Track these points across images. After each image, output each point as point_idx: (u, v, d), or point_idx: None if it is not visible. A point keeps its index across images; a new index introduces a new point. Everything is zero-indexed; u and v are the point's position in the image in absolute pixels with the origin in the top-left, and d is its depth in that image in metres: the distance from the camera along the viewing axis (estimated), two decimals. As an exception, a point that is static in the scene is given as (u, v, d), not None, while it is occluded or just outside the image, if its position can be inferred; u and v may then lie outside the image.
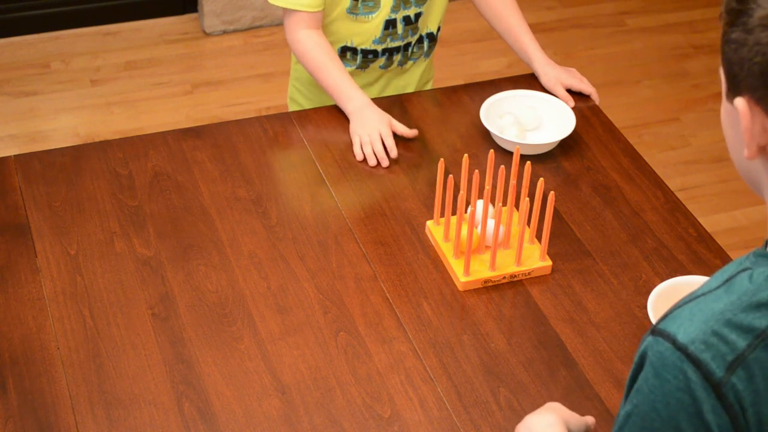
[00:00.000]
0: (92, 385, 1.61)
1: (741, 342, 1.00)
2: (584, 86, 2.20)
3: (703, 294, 1.05)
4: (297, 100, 2.36)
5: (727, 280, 1.05)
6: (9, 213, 1.89)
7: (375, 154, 2.02)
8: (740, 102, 1.04)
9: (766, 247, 1.07)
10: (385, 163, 2.01)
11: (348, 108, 2.09)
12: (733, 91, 1.05)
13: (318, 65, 2.11)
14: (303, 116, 2.15)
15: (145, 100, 3.52)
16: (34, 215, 1.88)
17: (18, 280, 1.76)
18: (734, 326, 1.01)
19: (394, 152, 2.02)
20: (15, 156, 2.01)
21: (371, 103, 2.08)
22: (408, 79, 2.31)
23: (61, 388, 1.60)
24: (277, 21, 3.88)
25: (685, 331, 1.02)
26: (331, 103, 2.17)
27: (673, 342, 1.02)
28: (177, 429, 1.55)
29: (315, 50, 2.12)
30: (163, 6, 3.88)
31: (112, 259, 1.81)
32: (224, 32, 3.84)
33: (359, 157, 2.03)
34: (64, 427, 1.55)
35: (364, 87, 2.23)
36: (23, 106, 3.46)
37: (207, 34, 3.83)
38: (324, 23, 2.16)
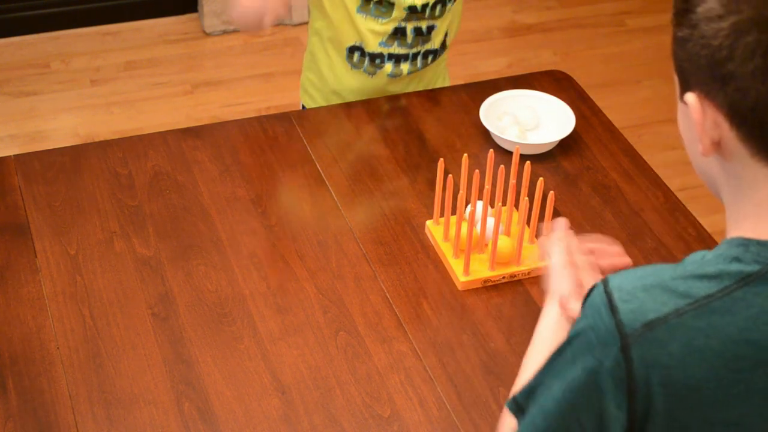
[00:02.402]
0: (92, 384, 1.61)
1: (670, 304, 1.02)
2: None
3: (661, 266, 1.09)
4: (309, 91, 2.33)
5: (684, 260, 1.09)
6: (9, 213, 1.89)
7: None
8: (691, 97, 1.06)
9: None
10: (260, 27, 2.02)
11: None
12: (684, 88, 1.08)
13: None
14: (303, 116, 2.15)
15: (145, 100, 3.53)
16: (34, 215, 1.88)
17: (18, 280, 1.76)
18: (669, 290, 1.03)
19: None
20: (15, 156, 2.01)
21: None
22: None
23: (60, 388, 1.60)
24: (276, 21, 3.88)
25: (619, 281, 1.05)
26: (337, 101, 2.17)
27: (605, 285, 1.05)
28: (177, 428, 1.55)
29: None
30: (163, 6, 3.88)
31: (112, 259, 1.81)
32: (224, 32, 3.84)
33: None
34: (63, 426, 1.55)
35: (376, 93, 2.23)
36: (23, 106, 3.47)
37: (207, 34, 3.83)
38: (332, 20, 2.14)
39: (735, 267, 1.04)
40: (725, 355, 1.02)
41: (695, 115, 1.06)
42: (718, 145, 1.07)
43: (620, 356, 1.02)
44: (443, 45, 2.22)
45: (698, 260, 1.06)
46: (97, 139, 3.20)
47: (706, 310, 1.02)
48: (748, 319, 1.02)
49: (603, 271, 1.43)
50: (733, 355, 1.02)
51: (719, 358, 1.02)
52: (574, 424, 1.07)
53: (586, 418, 1.06)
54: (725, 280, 1.03)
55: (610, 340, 1.02)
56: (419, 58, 2.19)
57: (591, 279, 1.37)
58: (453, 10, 2.17)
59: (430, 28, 2.14)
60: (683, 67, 1.07)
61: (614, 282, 1.05)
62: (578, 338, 1.06)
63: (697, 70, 1.04)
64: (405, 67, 2.19)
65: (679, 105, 1.11)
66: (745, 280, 1.03)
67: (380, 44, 2.15)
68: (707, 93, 1.04)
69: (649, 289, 1.03)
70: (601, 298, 1.05)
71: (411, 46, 2.16)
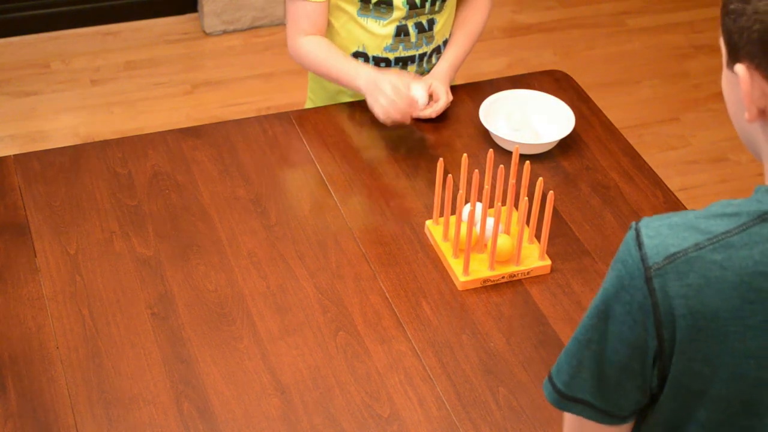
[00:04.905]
0: (91, 384, 1.61)
1: (691, 239, 1.09)
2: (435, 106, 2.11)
3: None
4: (314, 101, 2.34)
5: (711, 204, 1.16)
6: (8, 213, 1.89)
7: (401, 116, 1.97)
8: (740, 68, 1.10)
9: None
10: (409, 119, 1.98)
11: (358, 84, 2.04)
12: (733, 59, 1.11)
13: (320, 60, 2.10)
14: (303, 116, 2.15)
15: (145, 100, 3.52)
16: (34, 215, 1.88)
17: (17, 280, 1.76)
18: (692, 227, 1.10)
19: (422, 99, 1.98)
20: (14, 156, 2.01)
21: (379, 70, 2.05)
22: None
23: (60, 388, 1.60)
24: (277, 21, 3.88)
25: (649, 220, 1.13)
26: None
27: (636, 224, 1.13)
28: (176, 428, 1.55)
29: (315, 48, 2.11)
30: (163, 6, 3.88)
31: (112, 259, 1.81)
32: (224, 32, 3.84)
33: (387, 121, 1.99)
34: (63, 426, 1.55)
35: None
36: (23, 106, 3.47)
37: (207, 34, 3.83)
38: (334, 26, 2.14)
39: (755, 207, 1.09)
40: (741, 286, 1.07)
41: (744, 85, 1.10)
42: (763, 113, 1.11)
43: (645, 288, 1.09)
44: (446, 41, 2.22)
45: (723, 203, 1.12)
46: (97, 139, 3.20)
47: (724, 244, 1.08)
48: (764, 252, 1.07)
49: None
50: (748, 287, 1.07)
51: (735, 290, 1.08)
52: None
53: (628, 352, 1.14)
54: (743, 218, 1.09)
55: (636, 273, 1.10)
56: (425, 60, 2.19)
57: None
58: (450, 5, 2.17)
59: (431, 22, 2.14)
60: (734, 39, 1.10)
61: (644, 221, 1.12)
62: (611, 270, 1.14)
63: (748, 43, 1.08)
64: (411, 69, 2.19)
65: (726, 73, 1.15)
66: (762, 217, 1.08)
67: (385, 49, 2.14)
68: (757, 65, 1.08)
69: (674, 227, 1.10)
70: (631, 235, 1.12)
71: (417, 47, 2.16)
